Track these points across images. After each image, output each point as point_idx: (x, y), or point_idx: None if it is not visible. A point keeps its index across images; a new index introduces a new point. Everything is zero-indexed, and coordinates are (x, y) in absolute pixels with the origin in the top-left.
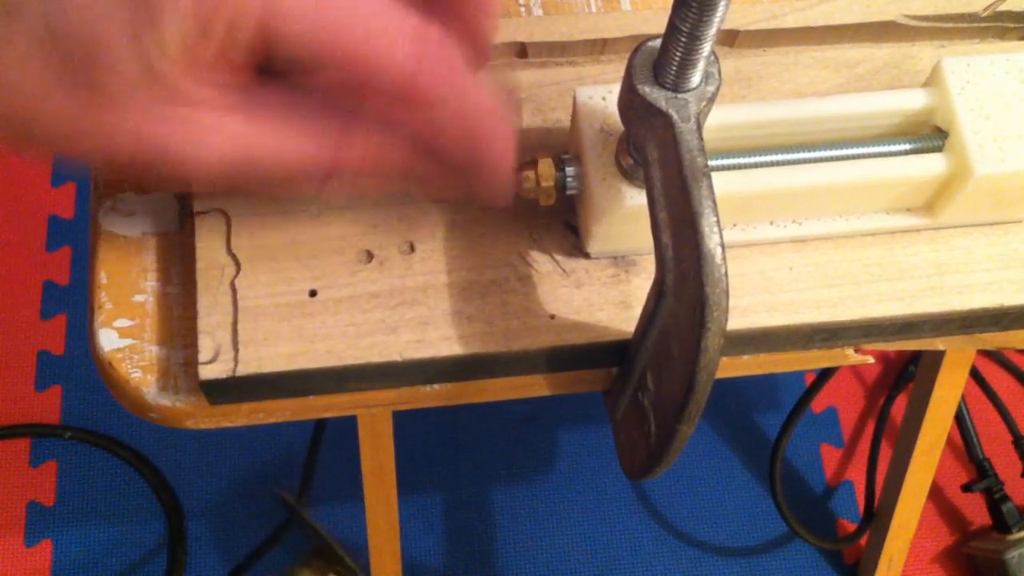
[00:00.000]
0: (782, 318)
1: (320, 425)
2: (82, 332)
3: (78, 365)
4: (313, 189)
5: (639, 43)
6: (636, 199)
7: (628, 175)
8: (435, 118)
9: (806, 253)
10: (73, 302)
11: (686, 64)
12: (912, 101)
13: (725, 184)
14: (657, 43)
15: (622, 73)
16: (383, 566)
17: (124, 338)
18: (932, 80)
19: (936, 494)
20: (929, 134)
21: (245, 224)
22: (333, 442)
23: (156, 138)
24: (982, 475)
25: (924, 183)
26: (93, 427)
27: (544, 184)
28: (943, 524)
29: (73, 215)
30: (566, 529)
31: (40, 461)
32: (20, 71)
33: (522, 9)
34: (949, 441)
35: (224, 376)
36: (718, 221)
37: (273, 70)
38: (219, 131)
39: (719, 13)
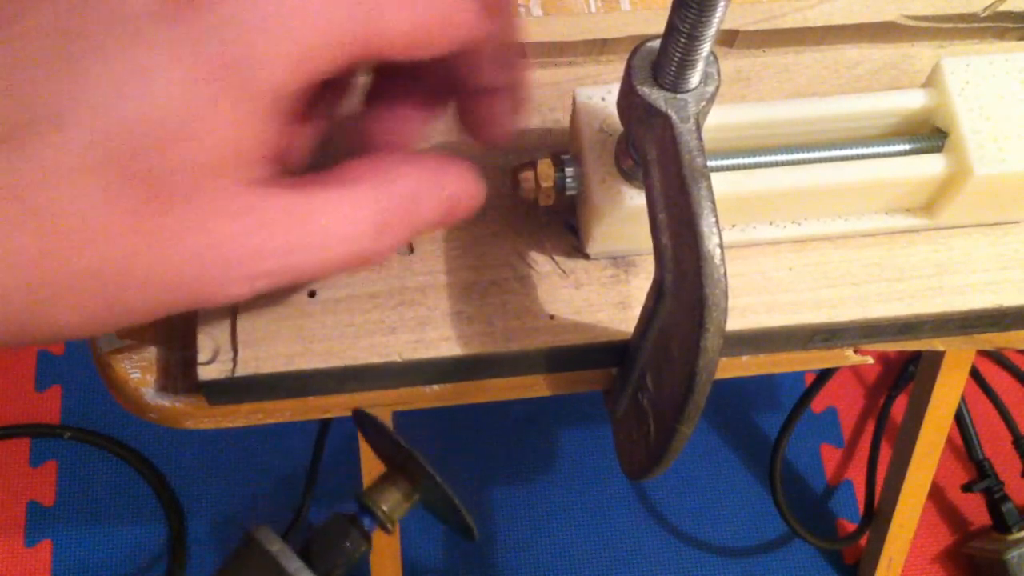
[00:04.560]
0: (781, 318)
1: (325, 425)
2: None
3: (78, 365)
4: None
5: (638, 43)
6: (635, 199)
7: (627, 176)
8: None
9: (805, 253)
10: None
11: (685, 64)
12: (911, 101)
13: (724, 184)
14: (656, 43)
15: (621, 73)
16: (383, 566)
17: (123, 338)
18: (931, 80)
19: (936, 494)
20: (929, 134)
21: None
22: (333, 442)
23: (256, 248)
24: (982, 475)
25: (924, 183)
26: (93, 427)
27: (543, 185)
28: (943, 524)
29: None
30: (566, 529)
31: (40, 461)
32: (65, 187)
33: (521, 9)
34: (949, 441)
35: (223, 377)
36: (717, 222)
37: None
38: (346, 216)
39: (718, 13)
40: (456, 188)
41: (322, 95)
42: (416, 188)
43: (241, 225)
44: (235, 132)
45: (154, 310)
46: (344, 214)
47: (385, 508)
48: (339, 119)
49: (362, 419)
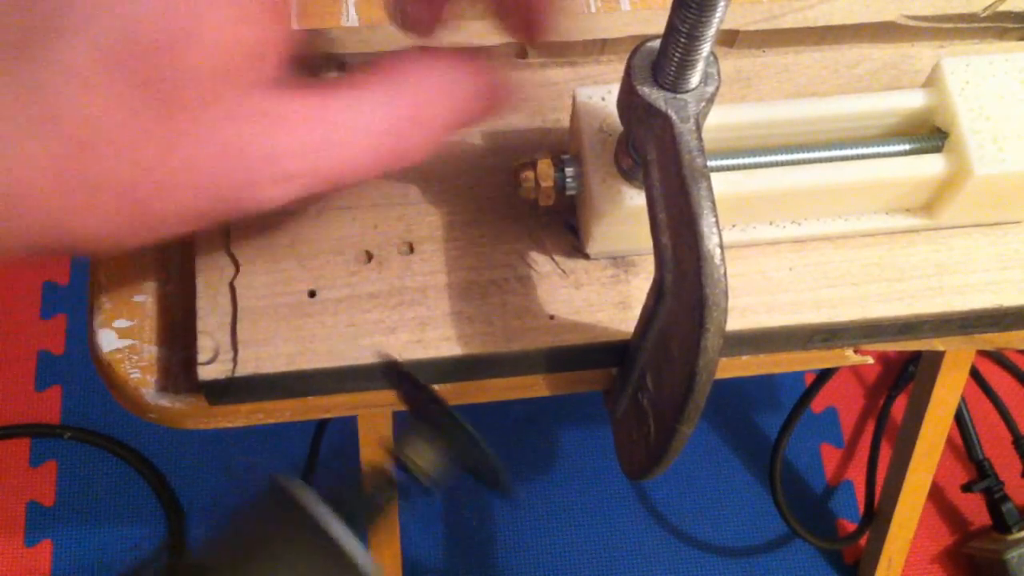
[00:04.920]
0: (781, 318)
1: (321, 425)
2: (82, 332)
3: (78, 365)
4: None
5: (638, 43)
6: (635, 199)
7: (627, 175)
8: None
9: (806, 253)
10: (73, 302)
11: (685, 65)
12: (912, 101)
13: (724, 184)
14: (656, 43)
15: (621, 73)
16: (383, 566)
17: (123, 338)
18: (932, 80)
19: (936, 494)
20: (929, 134)
21: (245, 225)
22: (333, 442)
23: (282, 148)
24: (982, 475)
25: (924, 183)
26: (93, 427)
27: (543, 184)
28: (943, 524)
29: None
30: (566, 529)
31: (40, 461)
32: (81, 91)
33: None
34: (949, 441)
35: (223, 377)
36: (717, 221)
37: None
38: (362, 113)
39: (718, 13)
40: (474, 83)
41: None
42: (430, 82)
43: (259, 126)
44: (241, 31)
45: (185, 218)
46: (361, 110)
47: (415, 458)
48: None
49: (394, 372)
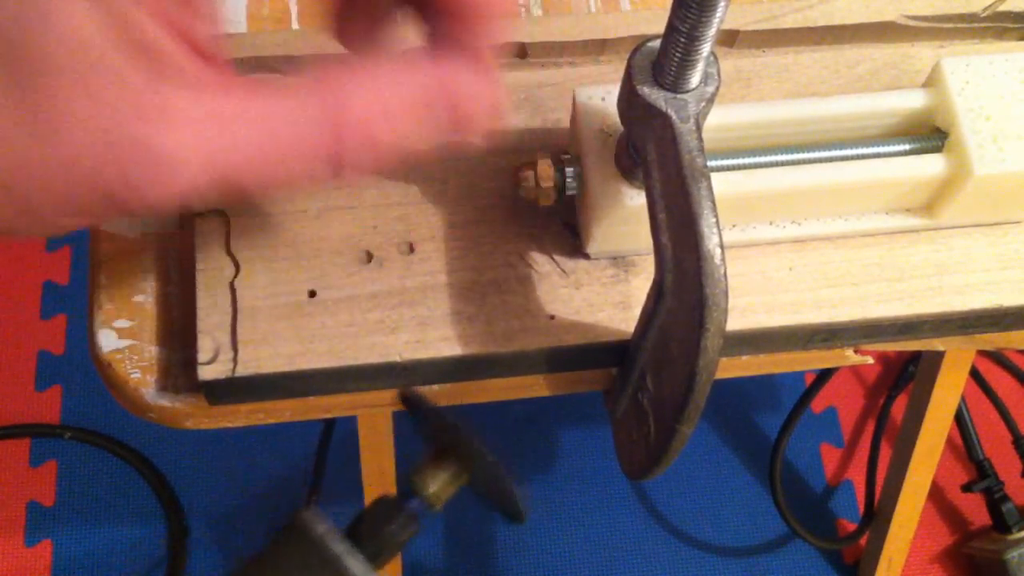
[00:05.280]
0: (782, 318)
1: (329, 425)
2: (82, 332)
3: (78, 365)
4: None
5: (638, 43)
6: (635, 200)
7: (627, 175)
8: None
9: (806, 253)
10: (73, 302)
11: (685, 65)
12: (912, 101)
13: (724, 184)
14: (657, 43)
15: (621, 73)
16: (383, 567)
17: (123, 338)
18: (932, 80)
19: (936, 494)
20: (929, 134)
21: (244, 225)
22: (333, 442)
23: (135, 140)
24: (982, 475)
25: (924, 183)
26: (93, 427)
27: (543, 184)
28: (943, 524)
29: None
30: (566, 529)
31: (40, 461)
32: None
33: (522, 9)
34: (949, 441)
35: (223, 377)
36: (717, 222)
37: None
38: (271, 114)
39: (718, 14)
40: (433, 93)
41: None
42: (368, 90)
43: (132, 117)
44: (108, 18)
45: (67, 211)
46: (272, 110)
47: (433, 489)
48: None
49: (410, 400)
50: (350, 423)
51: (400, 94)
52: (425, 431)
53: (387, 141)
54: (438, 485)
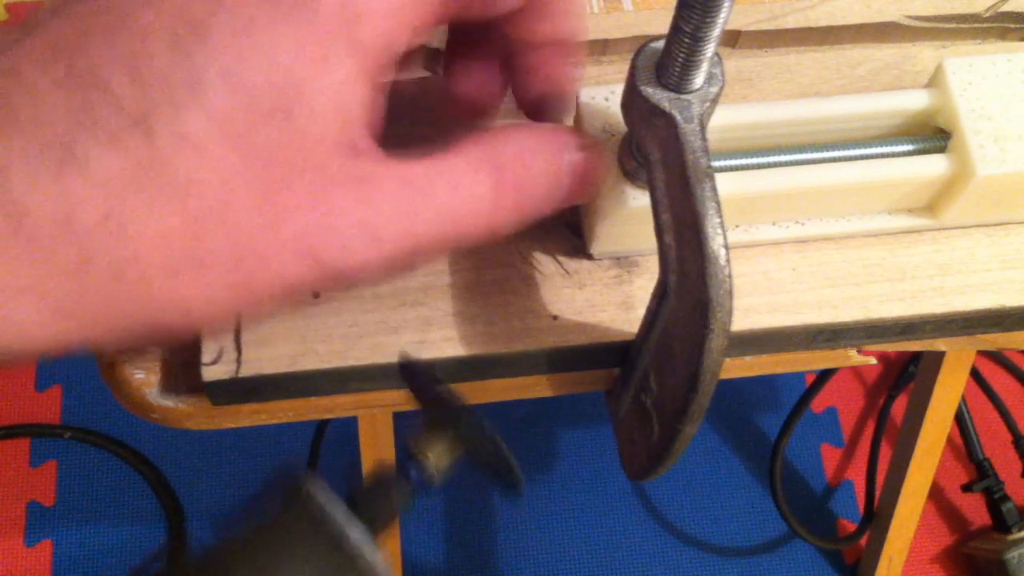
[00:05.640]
0: (784, 319)
1: (321, 426)
2: None
3: (78, 365)
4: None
5: (642, 44)
6: (639, 200)
7: (631, 176)
8: None
9: (808, 254)
10: None
11: (689, 65)
12: (914, 102)
13: (728, 185)
14: (660, 44)
15: (624, 74)
16: None
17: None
18: (934, 81)
19: (936, 494)
20: (931, 135)
21: None
22: (332, 442)
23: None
24: (982, 475)
25: (926, 184)
26: (93, 427)
27: None
28: (943, 524)
29: None
30: (566, 529)
31: (40, 461)
32: (203, 160)
33: None
34: (949, 441)
35: (227, 377)
36: (722, 222)
37: None
38: (455, 172)
39: (723, 14)
40: (574, 156)
41: None
42: (530, 150)
43: (359, 192)
44: (345, 92)
45: (286, 290)
46: (461, 175)
47: (432, 458)
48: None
49: (407, 367)
50: (350, 422)
51: (563, 164)
52: (423, 400)
53: (543, 209)
54: (436, 453)
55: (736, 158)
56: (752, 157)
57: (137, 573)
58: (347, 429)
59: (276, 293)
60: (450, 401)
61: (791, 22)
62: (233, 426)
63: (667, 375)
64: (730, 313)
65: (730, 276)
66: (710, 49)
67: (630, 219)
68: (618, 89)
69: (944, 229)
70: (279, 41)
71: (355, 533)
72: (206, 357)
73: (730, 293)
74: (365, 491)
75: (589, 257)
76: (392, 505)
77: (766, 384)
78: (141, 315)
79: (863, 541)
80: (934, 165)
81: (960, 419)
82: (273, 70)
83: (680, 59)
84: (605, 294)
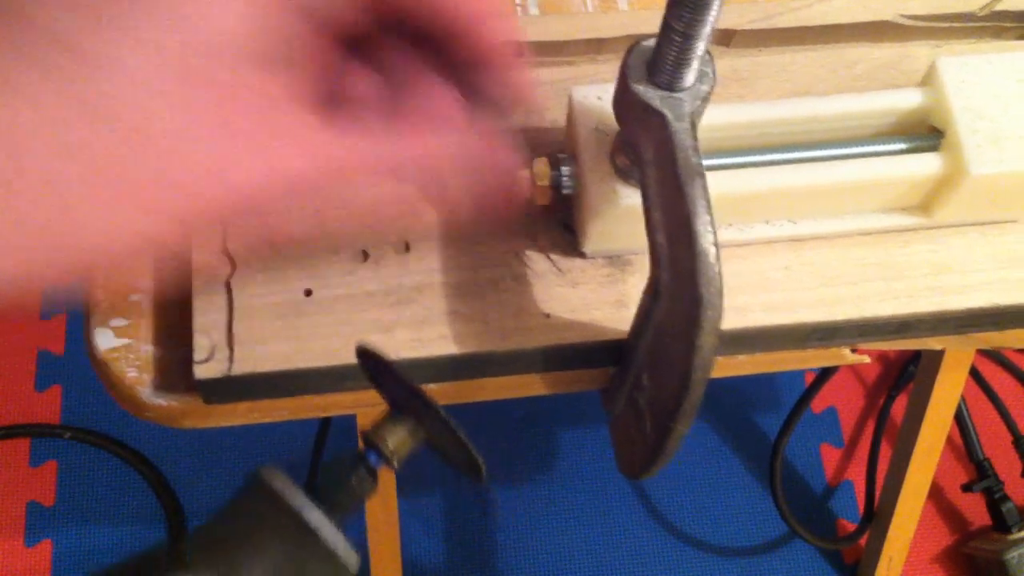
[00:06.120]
0: (778, 317)
1: (325, 423)
2: (81, 332)
3: (78, 365)
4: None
5: (634, 42)
6: (631, 198)
7: (623, 174)
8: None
9: (802, 252)
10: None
11: (681, 63)
12: (908, 101)
13: (720, 183)
14: (652, 42)
15: (617, 73)
16: (383, 566)
17: (120, 337)
18: (928, 80)
19: (936, 494)
20: (925, 134)
21: (241, 224)
22: (332, 442)
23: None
24: (982, 475)
25: (920, 183)
26: (93, 427)
27: (539, 183)
28: (943, 524)
29: None
30: (566, 529)
31: (40, 461)
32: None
33: (518, 8)
34: (949, 441)
35: (219, 375)
36: (712, 220)
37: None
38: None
39: (713, 12)
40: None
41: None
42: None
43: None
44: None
45: (192, 213)
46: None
47: (391, 445)
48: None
49: (366, 356)
50: (351, 422)
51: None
52: (382, 390)
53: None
54: (396, 441)
55: (729, 157)
56: (746, 156)
57: (126, 567)
58: (350, 429)
59: (189, 217)
60: (408, 390)
61: (786, 21)
62: (228, 425)
63: (660, 373)
64: (721, 311)
65: (721, 274)
66: (701, 47)
67: (623, 217)
68: (611, 88)
69: (938, 228)
70: None
71: (312, 515)
72: (198, 355)
73: (721, 291)
74: (325, 478)
75: (582, 256)
76: (352, 489)
77: (766, 384)
78: (65, 236)
79: (863, 541)
80: (928, 164)
81: (960, 419)
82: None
83: (672, 57)
84: (598, 292)
